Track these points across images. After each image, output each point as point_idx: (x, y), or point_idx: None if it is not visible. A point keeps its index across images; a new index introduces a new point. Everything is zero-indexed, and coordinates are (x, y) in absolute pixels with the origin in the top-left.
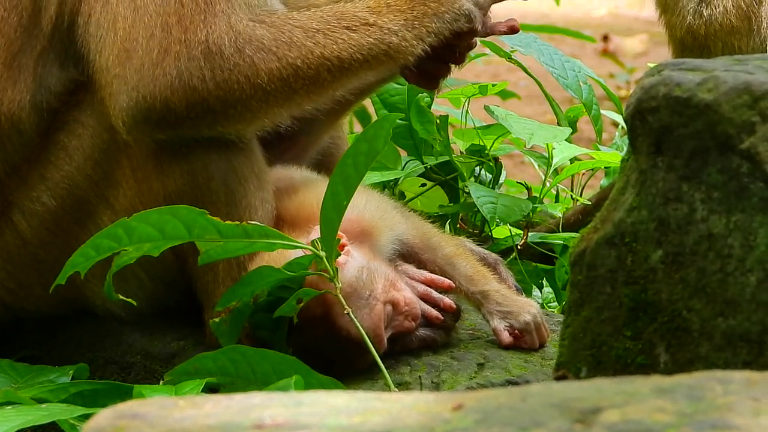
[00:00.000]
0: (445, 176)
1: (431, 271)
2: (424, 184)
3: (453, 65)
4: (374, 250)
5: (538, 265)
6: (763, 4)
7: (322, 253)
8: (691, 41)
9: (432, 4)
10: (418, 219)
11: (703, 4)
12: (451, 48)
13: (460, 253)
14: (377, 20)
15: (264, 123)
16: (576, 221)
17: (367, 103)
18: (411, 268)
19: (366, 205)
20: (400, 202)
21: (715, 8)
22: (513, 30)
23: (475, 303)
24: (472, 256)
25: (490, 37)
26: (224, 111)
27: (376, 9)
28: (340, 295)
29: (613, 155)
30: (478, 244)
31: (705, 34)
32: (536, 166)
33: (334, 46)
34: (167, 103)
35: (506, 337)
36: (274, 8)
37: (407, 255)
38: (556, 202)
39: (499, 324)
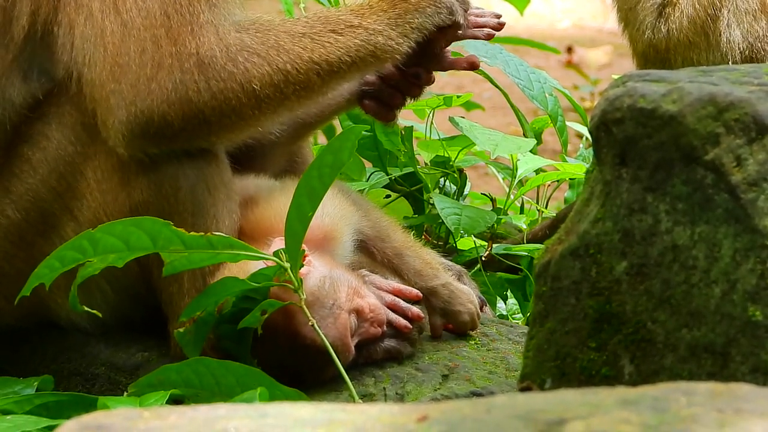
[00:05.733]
0: (410, 188)
1: (380, 262)
2: (388, 196)
3: (409, 97)
4: (336, 255)
5: (503, 275)
6: (720, 19)
7: (287, 264)
8: (653, 54)
9: (413, 0)
10: (371, 206)
11: (662, 20)
12: (420, 63)
13: (410, 245)
14: (362, 22)
15: (255, 131)
16: (543, 236)
17: None
18: (378, 278)
19: (324, 209)
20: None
21: (673, 23)
22: (498, 26)
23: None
24: (423, 249)
25: (457, 47)
26: (219, 121)
27: (359, 11)
28: (304, 306)
29: (578, 167)
30: (442, 256)
31: (666, 48)
32: (500, 178)
33: (321, 50)
34: (165, 117)
35: (437, 331)
36: (252, 18)
37: (359, 245)
38: (520, 213)
39: (437, 321)
